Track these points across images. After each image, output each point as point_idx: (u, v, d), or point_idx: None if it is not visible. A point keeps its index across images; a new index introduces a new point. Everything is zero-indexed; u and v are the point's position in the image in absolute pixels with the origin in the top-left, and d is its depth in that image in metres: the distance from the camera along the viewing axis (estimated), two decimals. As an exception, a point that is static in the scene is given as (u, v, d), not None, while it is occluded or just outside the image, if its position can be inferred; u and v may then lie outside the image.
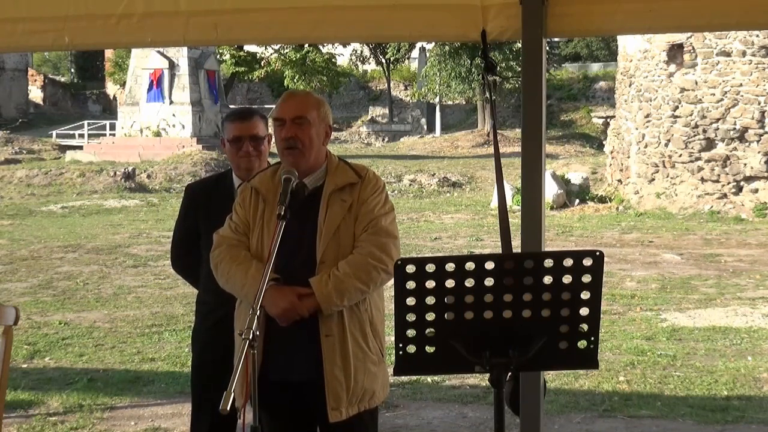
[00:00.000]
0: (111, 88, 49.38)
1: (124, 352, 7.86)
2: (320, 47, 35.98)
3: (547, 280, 2.42)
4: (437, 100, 37.78)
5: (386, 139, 37.62)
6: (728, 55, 17.45)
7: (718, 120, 17.56)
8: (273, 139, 3.53)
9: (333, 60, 38.54)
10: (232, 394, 2.44)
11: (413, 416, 6.04)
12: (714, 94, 17.58)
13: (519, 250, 3.12)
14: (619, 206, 18.98)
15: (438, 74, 34.56)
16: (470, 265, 2.40)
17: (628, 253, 13.35)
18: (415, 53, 41.60)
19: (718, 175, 17.58)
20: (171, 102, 30.58)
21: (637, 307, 9.55)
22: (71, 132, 36.81)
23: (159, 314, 9.42)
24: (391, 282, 2.51)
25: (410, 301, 2.42)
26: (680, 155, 17.91)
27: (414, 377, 6.44)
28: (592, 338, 2.47)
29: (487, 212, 19.04)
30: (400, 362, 2.49)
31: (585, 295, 2.44)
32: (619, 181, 20.23)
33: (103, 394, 6.56)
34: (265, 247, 3.15)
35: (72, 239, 15.28)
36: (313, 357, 3.17)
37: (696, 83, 17.73)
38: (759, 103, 17.27)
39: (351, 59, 42.89)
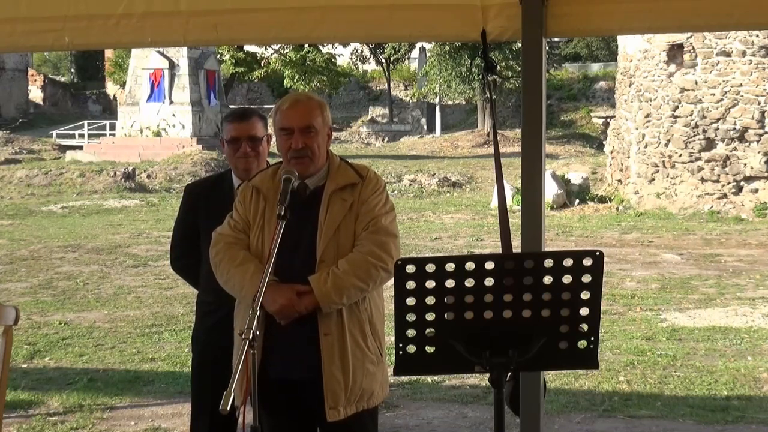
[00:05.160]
0: (111, 88, 49.41)
1: (124, 352, 7.86)
2: (320, 47, 35.98)
3: (547, 280, 2.42)
4: (437, 100, 37.79)
5: (386, 139, 37.62)
6: (728, 55, 17.44)
7: (718, 120, 17.55)
8: (273, 139, 3.53)
9: (333, 60, 38.55)
10: (232, 394, 2.44)
11: (413, 416, 6.04)
12: (714, 94, 17.58)
13: (519, 250, 3.12)
14: (619, 206, 18.98)
15: (438, 74, 34.56)
16: (470, 265, 2.40)
17: (628, 253, 13.35)
18: (415, 53, 41.61)
19: (718, 175, 17.58)
20: (171, 102, 30.59)
21: (637, 307, 9.55)
22: (71, 132, 36.82)
23: (159, 314, 9.41)
24: (391, 282, 2.51)
25: (410, 301, 2.43)
26: (680, 155, 17.91)
27: (414, 377, 6.44)
28: (592, 338, 2.47)
29: (487, 212, 19.03)
30: (400, 362, 2.49)
31: (585, 295, 2.44)
32: (619, 181, 20.23)
33: (103, 394, 6.56)
34: (266, 246, 3.15)
35: (72, 239, 15.28)
36: (312, 356, 3.17)
37: (696, 83, 17.73)
38: (759, 103, 17.27)
39: (351, 59, 42.90)
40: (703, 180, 17.74)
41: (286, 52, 36.89)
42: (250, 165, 3.81)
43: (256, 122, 3.90)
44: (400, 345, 2.47)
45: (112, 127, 35.15)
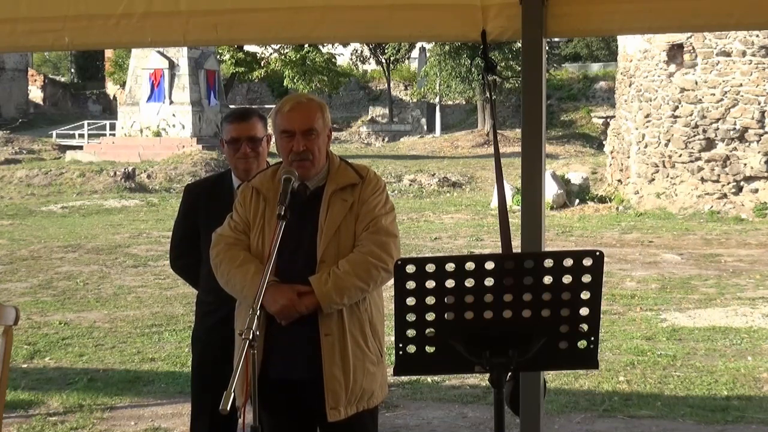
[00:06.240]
0: (111, 88, 49.41)
1: (124, 352, 7.86)
2: (320, 47, 35.97)
3: (547, 280, 2.42)
4: (437, 100, 37.79)
5: (386, 139, 37.62)
6: (728, 55, 17.44)
7: (718, 120, 17.55)
8: (272, 139, 3.53)
9: (333, 60, 38.55)
10: (232, 394, 2.44)
11: (413, 416, 6.04)
12: (714, 94, 17.58)
13: (519, 250, 3.12)
14: (619, 206, 18.98)
15: (438, 74, 34.56)
16: (470, 265, 2.40)
17: (628, 253, 13.35)
18: (415, 53, 41.61)
19: (718, 175, 17.58)
20: (171, 102, 30.59)
21: (637, 307, 9.55)
22: (71, 132, 36.82)
23: (159, 314, 9.41)
24: (391, 282, 2.51)
25: (410, 301, 2.43)
26: (680, 155, 17.91)
27: (414, 377, 6.44)
28: (592, 338, 2.47)
29: (487, 212, 19.03)
30: (400, 362, 2.49)
31: (585, 295, 2.44)
32: (619, 181, 20.23)
33: (103, 394, 6.56)
34: (266, 246, 3.15)
35: (72, 239, 15.28)
36: (313, 356, 3.17)
37: (696, 83, 17.73)
38: (759, 103, 17.27)
39: (351, 59, 42.90)
40: (703, 180, 17.74)
41: (286, 52, 36.87)
42: (250, 165, 3.81)
43: (256, 123, 3.90)
44: (400, 345, 2.47)
45: (112, 127, 35.15)
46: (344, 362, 3.18)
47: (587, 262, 2.42)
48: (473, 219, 18.20)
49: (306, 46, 34.54)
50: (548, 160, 22.38)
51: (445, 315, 2.43)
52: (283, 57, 37.14)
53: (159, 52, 29.90)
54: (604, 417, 6.00)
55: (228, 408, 2.39)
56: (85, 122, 38.00)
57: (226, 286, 3.28)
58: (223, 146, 3.97)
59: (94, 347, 8.06)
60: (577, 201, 19.51)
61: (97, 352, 7.89)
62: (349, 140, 37.20)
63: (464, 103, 38.87)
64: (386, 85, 41.58)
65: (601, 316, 2.53)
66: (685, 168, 17.91)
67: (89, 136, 35.87)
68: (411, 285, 2.41)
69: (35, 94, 46.79)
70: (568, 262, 2.42)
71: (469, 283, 2.41)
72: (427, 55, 37.65)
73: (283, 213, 2.99)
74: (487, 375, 2.46)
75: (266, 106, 36.08)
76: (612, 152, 21.21)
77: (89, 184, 24.52)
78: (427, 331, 2.45)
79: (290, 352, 3.20)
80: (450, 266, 2.41)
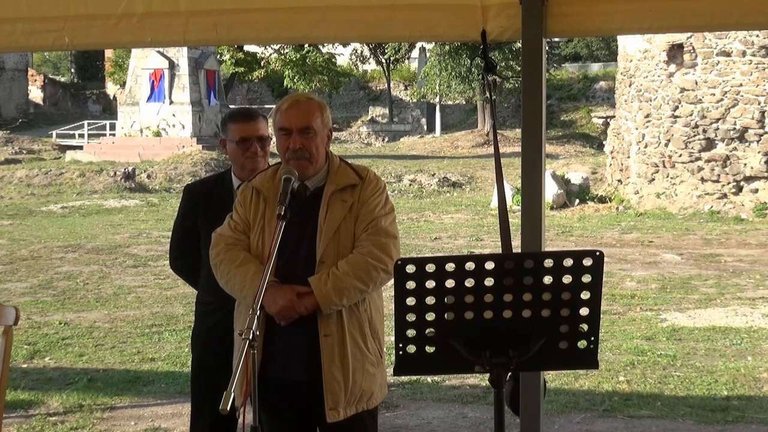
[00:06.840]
0: (111, 88, 49.43)
1: (124, 352, 7.86)
2: (320, 47, 35.98)
3: (547, 280, 2.42)
4: (437, 100, 37.80)
5: (386, 139, 37.63)
6: (728, 55, 17.44)
7: (718, 120, 17.55)
8: (272, 140, 3.54)
9: (333, 60, 38.55)
10: (232, 394, 2.44)
11: (413, 416, 6.04)
12: (714, 94, 17.57)
13: (519, 250, 3.12)
14: (619, 206, 18.98)
15: (438, 74, 34.57)
16: (470, 265, 2.40)
17: (628, 253, 13.35)
18: (415, 53, 41.62)
19: (718, 175, 17.58)
20: (171, 102, 30.58)
21: (637, 307, 9.55)
22: (71, 132, 36.84)
23: (159, 314, 9.41)
24: (391, 282, 2.51)
25: (410, 301, 2.42)
26: (680, 155, 17.91)
27: (414, 377, 6.44)
28: (592, 338, 2.47)
29: (487, 212, 19.03)
30: (400, 362, 2.49)
31: (585, 295, 2.44)
32: (619, 181, 20.23)
33: (103, 394, 6.56)
34: (266, 246, 3.15)
35: (72, 239, 15.28)
36: (312, 357, 3.17)
37: (696, 83, 17.73)
38: (759, 103, 17.27)
39: (351, 59, 42.90)
40: (703, 180, 17.74)
41: (286, 52, 36.87)
42: (258, 165, 3.83)
43: (262, 122, 3.96)
44: (400, 345, 2.47)
45: (112, 127, 35.15)
46: (343, 363, 3.17)
47: (587, 262, 2.42)
48: (473, 219, 18.20)
49: (306, 46, 34.53)
50: (548, 160, 22.41)
51: (445, 315, 2.43)
52: (283, 57, 37.13)
53: (159, 52, 29.89)
54: (604, 417, 6.00)
55: (228, 408, 2.39)
56: (85, 122, 38.02)
57: (225, 287, 3.28)
58: (224, 146, 3.98)
59: (94, 347, 8.06)
60: (577, 201, 19.51)
61: (97, 352, 7.89)
62: (349, 140, 37.20)
63: (464, 103, 38.88)
64: (386, 85, 41.58)
65: (601, 316, 2.52)
66: (685, 168, 17.91)
67: (89, 136, 35.89)
68: (411, 285, 2.41)
69: (35, 94, 46.79)
70: (568, 262, 2.42)
71: (469, 283, 2.40)
72: (427, 55, 37.66)
73: (282, 213, 2.99)
74: (487, 375, 2.46)
75: (266, 106, 36.10)
76: (612, 152, 21.21)
77: (89, 184, 24.51)
78: (427, 331, 2.45)
79: (290, 352, 3.20)
80: (450, 266, 2.40)
